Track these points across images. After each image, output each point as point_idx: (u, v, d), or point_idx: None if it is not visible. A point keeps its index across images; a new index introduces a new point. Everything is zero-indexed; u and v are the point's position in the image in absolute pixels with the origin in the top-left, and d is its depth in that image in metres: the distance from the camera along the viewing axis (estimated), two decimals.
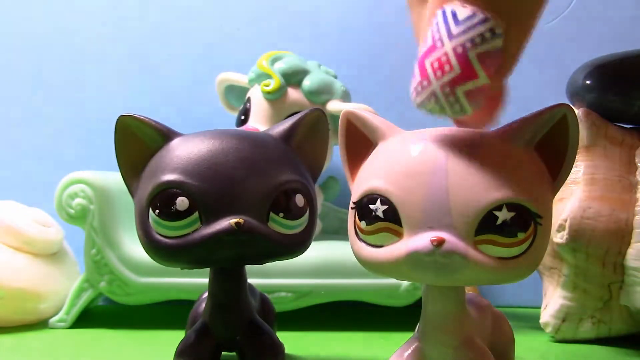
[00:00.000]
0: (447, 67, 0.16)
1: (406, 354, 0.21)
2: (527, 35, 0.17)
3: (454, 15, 0.16)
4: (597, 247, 0.36)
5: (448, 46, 0.16)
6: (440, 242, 0.17)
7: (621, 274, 0.36)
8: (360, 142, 0.21)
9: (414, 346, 0.21)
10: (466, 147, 0.18)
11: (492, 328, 0.26)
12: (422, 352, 0.21)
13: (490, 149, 0.18)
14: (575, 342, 0.38)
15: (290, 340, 0.37)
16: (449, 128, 0.19)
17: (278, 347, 0.28)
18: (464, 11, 0.16)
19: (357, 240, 0.20)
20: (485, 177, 0.17)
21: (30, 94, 0.58)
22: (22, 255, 0.41)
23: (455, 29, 0.16)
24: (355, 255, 0.21)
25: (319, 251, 0.41)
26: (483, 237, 0.17)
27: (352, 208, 0.20)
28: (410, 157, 0.18)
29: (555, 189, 0.19)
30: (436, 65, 0.16)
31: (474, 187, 0.17)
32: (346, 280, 0.41)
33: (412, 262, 0.18)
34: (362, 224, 0.19)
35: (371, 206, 0.19)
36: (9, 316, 0.40)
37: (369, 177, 0.20)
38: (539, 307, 0.40)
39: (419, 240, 0.17)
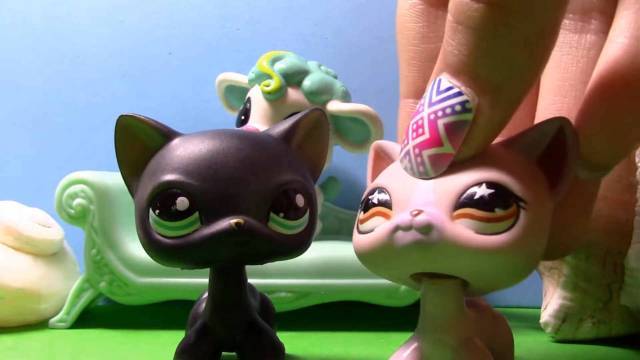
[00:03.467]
0: (420, 131, 0.18)
1: (405, 354, 0.21)
2: (505, 115, 0.18)
3: (438, 84, 0.17)
4: (597, 247, 0.36)
5: (425, 112, 0.18)
6: (418, 213, 0.18)
7: (621, 274, 0.36)
8: (383, 165, 0.23)
9: (413, 346, 0.21)
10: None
11: (492, 329, 0.26)
12: (422, 352, 0.21)
13: (486, 149, 0.19)
14: (575, 342, 0.38)
15: (290, 340, 0.37)
16: None
17: (278, 347, 0.28)
18: (445, 83, 0.17)
19: (355, 232, 0.21)
20: (472, 164, 0.18)
21: (30, 94, 0.58)
22: (22, 255, 0.41)
23: (434, 98, 0.17)
24: (354, 249, 0.22)
25: (319, 251, 0.41)
26: (461, 211, 0.18)
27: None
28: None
29: (554, 198, 0.20)
30: (414, 126, 0.18)
31: (459, 171, 0.18)
32: (346, 280, 0.41)
33: (393, 240, 0.19)
34: (361, 215, 0.21)
35: (370, 197, 0.20)
36: (9, 316, 0.40)
37: (376, 180, 0.22)
38: (539, 307, 0.40)
39: (401, 216, 0.19)
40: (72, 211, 0.41)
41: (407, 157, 0.18)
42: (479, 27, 0.16)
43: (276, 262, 0.26)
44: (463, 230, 0.18)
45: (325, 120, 0.27)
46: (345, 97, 0.48)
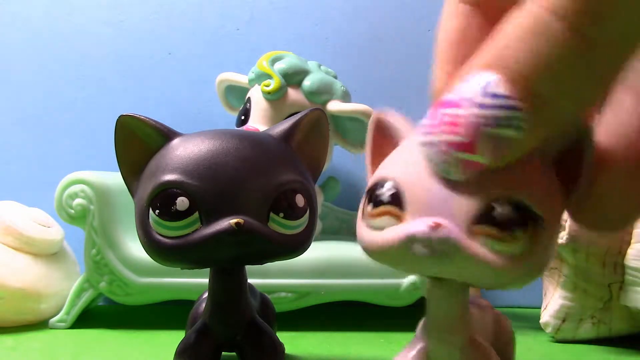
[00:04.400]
0: (456, 129, 0.16)
1: (411, 354, 0.21)
2: (549, 137, 0.16)
3: (491, 85, 0.15)
4: (597, 247, 0.36)
5: (468, 110, 0.16)
6: (437, 226, 0.17)
7: (621, 274, 0.36)
8: (385, 142, 0.22)
9: (418, 346, 0.21)
10: None
11: (493, 327, 0.26)
12: (427, 352, 0.21)
13: None
14: (575, 342, 0.38)
15: (290, 340, 0.37)
16: None
17: (278, 347, 0.28)
18: (500, 88, 0.15)
19: (361, 223, 0.20)
20: (492, 173, 0.17)
21: (30, 94, 0.58)
22: (23, 255, 0.41)
23: (483, 99, 0.15)
24: (358, 241, 0.21)
25: (319, 251, 0.41)
26: (480, 228, 0.17)
27: (364, 197, 0.20)
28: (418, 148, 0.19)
29: (565, 204, 0.19)
30: (448, 119, 0.16)
31: (480, 181, 0.17)
32: (346, 280, 0.41)
33: (408, 246, 0.18)
34: (369, 207, 0.19)
35: (378, 190, 0.19)
36: (9, 316, 0.40)
37: (383, 167, 0.20)
38: (539, 307, 0.40)
39: (417, 224, 0.17)
40: (72, 211, 0.41)
41: (433, 148, 0.17)
42: (559, 50, 0.14)
43: (276, 262, 0.26)
44: (480, 248, 0.17)
45: (325, 120, 0.27)
46: (345, 97, 0.48)
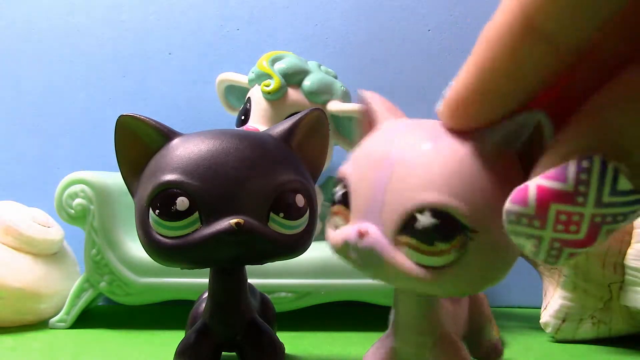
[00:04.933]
0: (573, 228, 0.14)
1: (380, 353, 0.22)
2: None
3: (615, 180, 0.13)
4: (597, 247, 0.36)
5: (589, 210, 0.13)
6: (363, 235, 0.17)
7: (621, 274, 0.36)
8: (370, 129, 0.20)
9: (388, 346, 0.21)
10: (422, 141, 0.17)
11: (469, 312, 0.26)
12: (396, 352, 0.21)
13: (448, 146, 0.16)
14: (575, 342, 0.38)
15: (290, 340, 0.37)
16: (417, 121, 0.18)
17: (278, 347, 0.28)
18: (626, 183, 0.13)
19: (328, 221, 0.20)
20: (425, 176, 0.16)
21: (30, 94, 0.58)
22: (22, 255, 0.41)
23: (607, 198, 0.13)
24: None
25: (319, 251, 0.41)
26: (403, 238, 0.16)
27: None
28: (370, 144, 0.18)
29: None
30: (564, 218, 0.14)
31: (411, 185, 0.16)
32: (346, 280, 0.41)
33: (345, 250, 0.18)
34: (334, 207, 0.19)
35: (336, 188, 0.19)
36: (9, 316, 0.40)
37: (348, 161, 0.19)
38: (539, 307, 0.40)
39: (350, 230, 0.17)
40: (72, 211, 0.41)
41: (536, 240, 0.14)
42: None
43: (276, 262, 0.26)
44: (402, 258, 0.16)
45: (325, 120, 0.27)
46: (345, 97, 0.48)
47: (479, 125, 0.16)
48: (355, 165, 0.18)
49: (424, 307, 0.20)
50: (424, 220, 0.16)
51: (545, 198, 0.13)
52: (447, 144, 0.16)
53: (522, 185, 0.14)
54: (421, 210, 0.16)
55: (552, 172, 0.13)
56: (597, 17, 0.13)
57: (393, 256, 0.16)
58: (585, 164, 0.13)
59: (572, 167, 0.13)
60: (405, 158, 0.16)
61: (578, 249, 0.14)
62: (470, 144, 0.16)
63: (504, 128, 0.16)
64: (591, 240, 0.14)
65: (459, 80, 0.16)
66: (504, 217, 0.14)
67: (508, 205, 0.14)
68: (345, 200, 0.18)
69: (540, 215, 0.13)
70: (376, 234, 0.17)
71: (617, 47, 0.14)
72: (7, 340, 0.38)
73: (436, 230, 0.16)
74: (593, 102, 0.13)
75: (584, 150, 0.13)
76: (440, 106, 0.17)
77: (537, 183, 0.13)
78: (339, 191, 0.18)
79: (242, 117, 0.48)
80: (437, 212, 0.16)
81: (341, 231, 0.18)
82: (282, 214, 0.24)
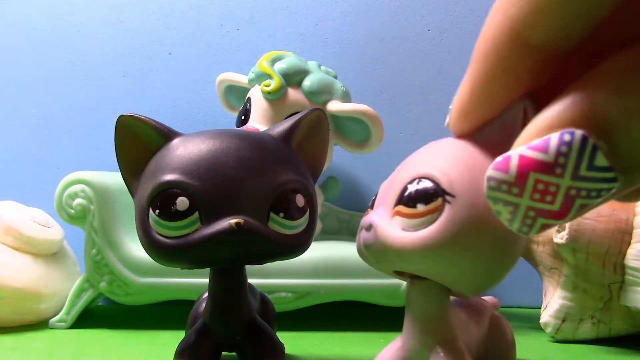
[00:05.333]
0: (549, 198, 0.14)
1: (388, 353, 0.22)
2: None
3: (593, 155, 0.13)
4: (597, 247, 0.36)
5: (566, 182, 0.14)
6: (367, 213, 0.21)
7: (621, 274, 0.36)
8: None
9: (396, 346, 0.22)
10: (431, 143, 0.21)
11: (490, 331, 0.25)
12: (404, 352, 0.21)
13: (447, 141, 0.20)
14: (575, 342, 0.38)
15: (290, 340, 0.37)
16: None
17: (278, 347, 0.28)
18: (603, 160, 0.13)
19: None
20: (423, 157, 0.19)
21: (30, 94, 0.58)
22: (22, 255, 0.41)
23: (584, 172, 0.14)
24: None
25: (319, 251, 0.41)
26: (396, 208, 0.19)
27: None
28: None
29: None
30: (541, 187, 0.14)
31: (411, 166, 0.19)
32: (346, 280, 0.41)
33: (359, 239, 0.22)
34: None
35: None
36: (9, 316, 0.40)
37: None
38: (539, 307, 0.40)
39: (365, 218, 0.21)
40: (72, 211, 0.41)
41: (512, 207, 0.15)
42: None
43: (276, 262, 0.26)
44: (391, 228, 0.18)
45: (325, 120, 0.27)
46: (345, 97, 0.48)
47: (474, 126, 0.18)
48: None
49: (432, 305, 0.21)
50: (414, 185, 0.18)
51: (526, 166, 0.14)
52: (447, 140, 0.19)
53: (505, 154, 0.14)
54: (412, 181, 0.18)
55: (535, 143, 0.14)
56: (585, 23, 0.14)
57: (384, 227, 0.19)
58: (566, 137, 0.13)
59: (554, 139, 0.13)
60: (414, 153, 0.20)
61: (551, 221, 0.14)
62: (467, 140, 0.19)
63: (495, 123, 0.17)
64: (564, 212, 0.14)
65: (460, 93, 0.17)
66: (485, 183, 0.14)
67: (490, 171, 0.14)
68: (372, 203, 0.21)
69: (519, 183, 0.14)
70: (376, 213, 0.20)
71: (610, 38, 0.15)
72: (7, 340, 0.38)
73: (420, 192, 0.18)
74: (581, 79, 0.14)
75: (567, 123, 0.14)
76: (448, 119, 0.19)
77: (519, 152, 0.14)
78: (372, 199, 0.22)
79: (242, 117, 0.48)
80: (423, 178, 0.18)
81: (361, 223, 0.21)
82: (282, 214, 0.24)
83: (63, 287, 0.43)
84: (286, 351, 0.29)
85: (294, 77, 0.46)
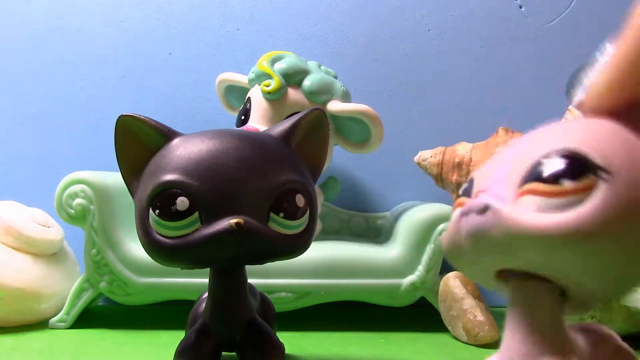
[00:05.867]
0: None
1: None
2: None
3: None
4: None
5: None
6: (478, 194, 0.17)
7: None
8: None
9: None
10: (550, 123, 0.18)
11: None
12: None
13: (578, 120, 0.17)
14: None
15: (290, 340, 0.37)
16: None
17: (278, 347, 0.28)
18: None
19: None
20: (558, 133, 0.16)
21: (30, 94, 0.58)
22: (22, 255, 0.41)
23: None
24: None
25: (319, 251, 0.41)
26: (525, 187, 0.16)
27: None
28: None
29: None
30: None
31: (541, 141, 0.17)
32: (346, 280, 0.41)
33: (459, 229, 0.18)
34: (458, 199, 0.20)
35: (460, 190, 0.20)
36: (9, 316, 0.40)
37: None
38: None
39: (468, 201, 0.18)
40: (72, 211, 0.41)
41: None
42: None
43: (276, 262, 0.26)
44: (521, 209, 0.15)
45: (325, 120, 0.27)
46: (345, 97, 0.48)
47: (625, 102, 0.16)
48: (486, 164, 0.18)
49: (540, 313, 0.17)
50: (551, 160, 0.15)
51: None
52: (579, 120, 0.16)
53: None
54: (548, 155, 0.15)
55: None
56: None
57: (512, 209, 0.15)
58: None
59: None
60: (531, 133, 0.17)
61: None
62: (608, 119, 0.16)
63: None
64: None
65: (612, 64, 0.16)
66: None
67: None
68: (466, 192, 0.18)
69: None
70: (496, 189, 0.16)
71: None
72: (7, 340, 0.38)
73: (563, 167, 0.14)
74: None
75: None
76: (585, 93, 0.17)
77: None
78: (462, 188, 0.18)
79: (242, 117, 0.48)
80: (564, 153, 0.15)
81: (454, 213, 0.18)
82: (282, 214, 0.24)
83: (63, 287, 0.43)
84: (286, 351, 0.29)
85: (294, 77, 0.46)
